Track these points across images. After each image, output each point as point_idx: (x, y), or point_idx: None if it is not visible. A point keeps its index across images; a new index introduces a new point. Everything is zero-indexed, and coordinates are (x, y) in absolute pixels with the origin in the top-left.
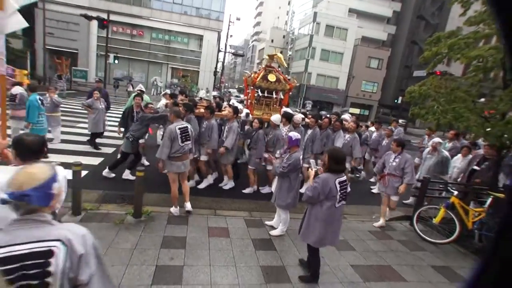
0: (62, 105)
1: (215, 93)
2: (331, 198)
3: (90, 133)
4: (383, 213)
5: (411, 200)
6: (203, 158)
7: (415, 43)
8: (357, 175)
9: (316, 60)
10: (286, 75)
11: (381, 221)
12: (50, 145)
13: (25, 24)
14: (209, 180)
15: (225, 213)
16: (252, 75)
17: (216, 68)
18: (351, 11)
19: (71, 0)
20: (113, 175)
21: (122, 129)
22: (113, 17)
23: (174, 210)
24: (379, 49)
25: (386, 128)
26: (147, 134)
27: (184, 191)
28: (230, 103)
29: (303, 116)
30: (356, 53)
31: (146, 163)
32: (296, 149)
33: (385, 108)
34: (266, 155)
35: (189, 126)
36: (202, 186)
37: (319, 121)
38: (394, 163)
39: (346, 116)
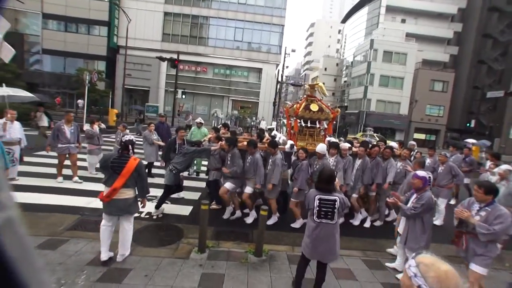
0: None
1: (274, 124)
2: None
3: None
4: None
5: None
6: (248, 190)
7: (483, 62)
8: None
9: (375, 86)
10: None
11: None
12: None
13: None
14: (254, 214)
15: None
16: (294, 106)
17: (275, 99)
18: (408, 35)
19: (146, 45)
20: (161, 214)
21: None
22: (181, 57)
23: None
24: (443, 71)
25: (440, 154)
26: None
27: None
28: (272, 134)
29: (349, 145)
30: (418, 77)
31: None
32: (426, 188)
33: (453, 132)
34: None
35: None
36: (249, 220)
37: (368, 149)
38: (477, 217)
39: (393, 143)
